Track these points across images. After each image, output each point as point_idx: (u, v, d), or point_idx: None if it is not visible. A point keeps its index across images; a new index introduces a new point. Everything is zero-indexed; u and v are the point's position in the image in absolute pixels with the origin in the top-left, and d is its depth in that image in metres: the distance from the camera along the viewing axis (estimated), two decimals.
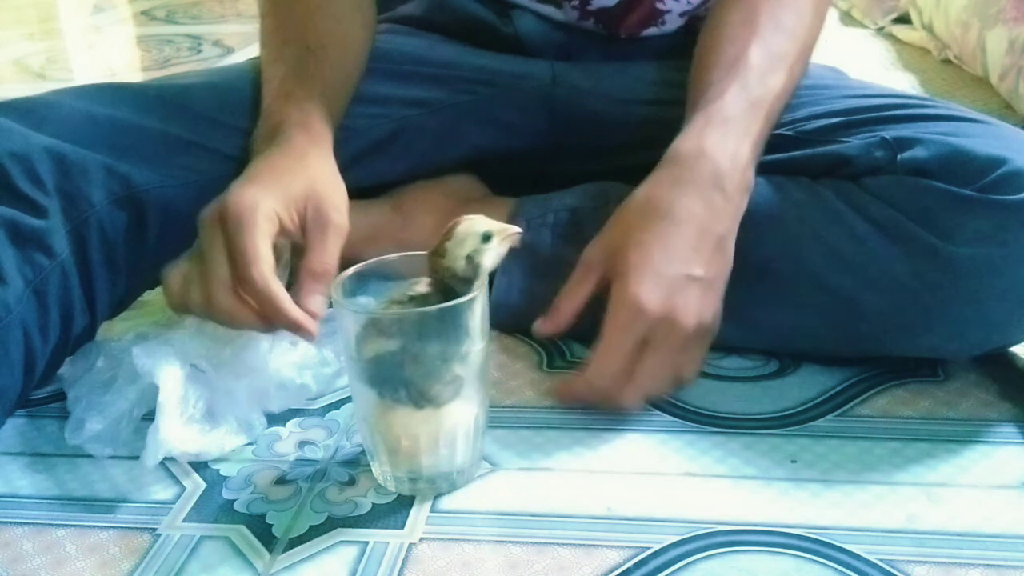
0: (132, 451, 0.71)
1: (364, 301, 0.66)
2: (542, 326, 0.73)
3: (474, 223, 0.63)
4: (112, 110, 0.77)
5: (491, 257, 0.63)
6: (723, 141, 0.73)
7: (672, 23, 0.92)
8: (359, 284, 0.66)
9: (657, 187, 0.72)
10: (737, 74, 0.76)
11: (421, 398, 0.62)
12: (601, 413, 0.73)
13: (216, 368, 0.71)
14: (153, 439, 0.68)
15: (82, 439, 0.71)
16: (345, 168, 0.75)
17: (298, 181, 0.70)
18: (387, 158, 0.89)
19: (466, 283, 0.62)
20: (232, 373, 0.72)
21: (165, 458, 0.70)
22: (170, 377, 0.69)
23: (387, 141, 0.88)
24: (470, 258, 0.62)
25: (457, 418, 0.63)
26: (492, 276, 0.67)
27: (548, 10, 0.91)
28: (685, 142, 0.73)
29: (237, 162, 0.80)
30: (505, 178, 0.95)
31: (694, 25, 0.92)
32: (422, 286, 0.63)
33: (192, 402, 0.70)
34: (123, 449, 0.71)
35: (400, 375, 0.62)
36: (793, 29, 0.79)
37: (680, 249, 0.70)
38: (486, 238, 0.62)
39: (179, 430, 0.69)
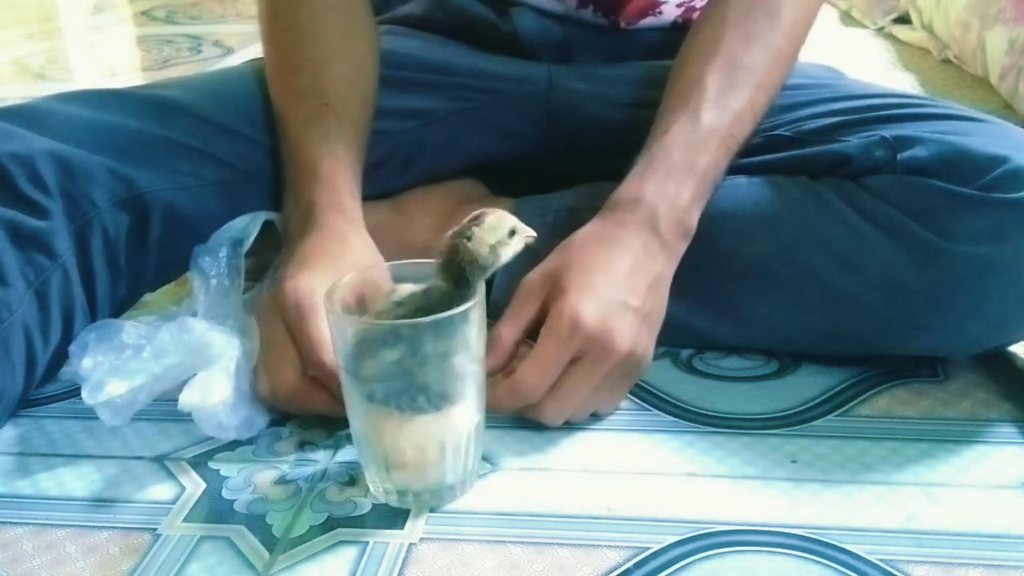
0: (140, 415, 0.69)
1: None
2: (487, 365, 0.67)
3: (504, 216, 0.63)
4: (112, 115, 0.77)
5: (509, 253, 0.63)
6: (663, 187, 0.73)
7: (669, 13, 0.92)
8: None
9: (599, 227, 0.73)
10: (689, 103, 0.76)
11: (442, 400, 0.62)
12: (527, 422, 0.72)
13: (240, 366, 0.71)
14: (203, 380, 0.67)
15: (98, 401, 0.68)
16: None
17: (346, 266, 0.69)
18: (387, 174, 0.89)
19: (482, 271, 0.62)
20: (248, 369, 0.71)
21: (165, 459, 0.71)
22: (230, 344, 0.69)
23: (386, 158, 0.88)
24: (493, 248, 0.62)
25: (461, 425, 0.63)
26: (491, 277, 0.67)
27: (547, 2, 0.91)
28: (626, 188, 0.74)
29: (237, 169, 0.81)
30: (504, 179, 0.95)
31: (691, 18, 0.92)
32: (402, 292, 0.63)
33: (233, 378, 0.69)
34: (135, 414, 0.69)
35: (414, 382, 0.61)
36: (765, 37, 0.78)
37: (620, 276, 0.69)
38: (511, 233, 0.62)
39: (224, 387, 0.68)
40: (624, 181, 0.75)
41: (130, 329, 0.73)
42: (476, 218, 0.62)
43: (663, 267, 0.72)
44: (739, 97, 0.76)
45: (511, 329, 0.70)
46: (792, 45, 0.81)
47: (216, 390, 0.67)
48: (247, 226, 0.77)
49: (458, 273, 0.61)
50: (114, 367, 0.70)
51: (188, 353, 0.70)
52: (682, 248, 0.74)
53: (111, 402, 0.70)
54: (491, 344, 0.69)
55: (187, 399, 0.67)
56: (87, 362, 0.70)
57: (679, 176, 0.73)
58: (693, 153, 0.74)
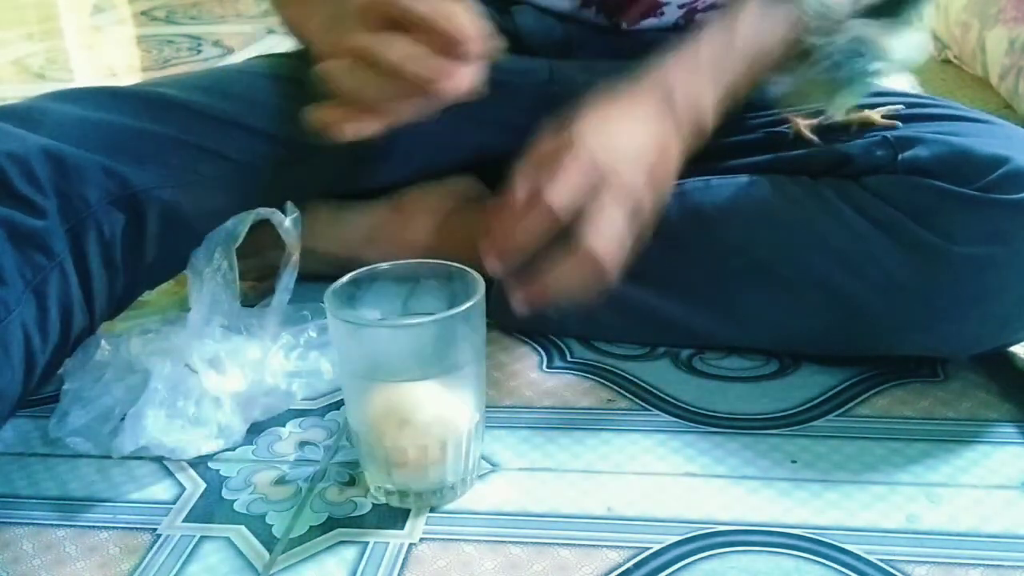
0: (109, 451, 0.71)
1: (365, 313, 0.65)
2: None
3: None
4: (106, 113, 0.77)
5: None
6: (685, 78, 0.73)
7: (671, 14, 0.92)
8: (353, 293, 0.65)
9: (613, 94, 0.72)
10: (727, 17, 0.76)
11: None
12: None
13: (208, 370, 0.71)
14: (133, 425, 0.68)
15: (64, 432, 0.72)
16: (347, 171, 0.75)
17: None
18: (389, 167, 0.89)
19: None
20: (223, 377, 0.72)
21: (165, 459, 0.71)
22: (163, 371, 0.69)
23: (387, 150, 0.88)
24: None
25: (462, 424, 0.63)
26: (491, 276, 0.67)
27: (549, 0, 0.91)
28: (647, 74, 0.73)
29: (235, 162, 0.80)
30: (504, 178, 0.95)
31: (693, 19, 0.92)
32: None
33: (179, 399, 0.70)
34: (101, 447, 0.71)
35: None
36: None
37: (639, 118, 0.69)
38: None
39: (159, 423, 0.69)
40: (647, 71, 0.74)
41: (104, 345, 0.74)
42: None
43: (674, 141, 0.71)
44: (776, 26, 0.76)
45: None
46: None
47: (153, 427, 0.69)
48: (239, 224, 0.78)
49: None
50: (77, 395, 0.72)
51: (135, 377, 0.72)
52: (690, 141, 0.73)
53: (76, 431, 0.72)
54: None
55: (126, 446, 0.70)
56: (64, 387, 0.73)
57: (702, 81, 0.74)
58: (720, 64, 0.74)
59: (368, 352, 0.62)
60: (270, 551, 0.62)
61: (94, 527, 0.65)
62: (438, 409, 0.62)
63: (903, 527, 0.62)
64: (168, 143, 0.78)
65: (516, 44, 0.92)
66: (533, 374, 0.80)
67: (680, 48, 0.75)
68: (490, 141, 0.92)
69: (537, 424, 0.74)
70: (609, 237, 0.65)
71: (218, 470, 0.70)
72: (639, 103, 0.71)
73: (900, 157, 0.74)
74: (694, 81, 0.73)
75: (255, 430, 0.74)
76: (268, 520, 0.65)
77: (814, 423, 0.73)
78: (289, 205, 0.79)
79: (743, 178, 0.80)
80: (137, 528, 0.65)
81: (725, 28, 0.75)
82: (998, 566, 0.58)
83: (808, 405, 0.75)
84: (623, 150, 0.67)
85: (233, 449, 0.72)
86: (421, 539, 0.62)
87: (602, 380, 0.79)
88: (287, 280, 0.72)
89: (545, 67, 0.91)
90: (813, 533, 0.62)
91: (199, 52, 2.03)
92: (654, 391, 0.77)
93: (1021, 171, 0.69)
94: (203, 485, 0.68)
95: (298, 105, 0.67)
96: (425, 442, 0.63)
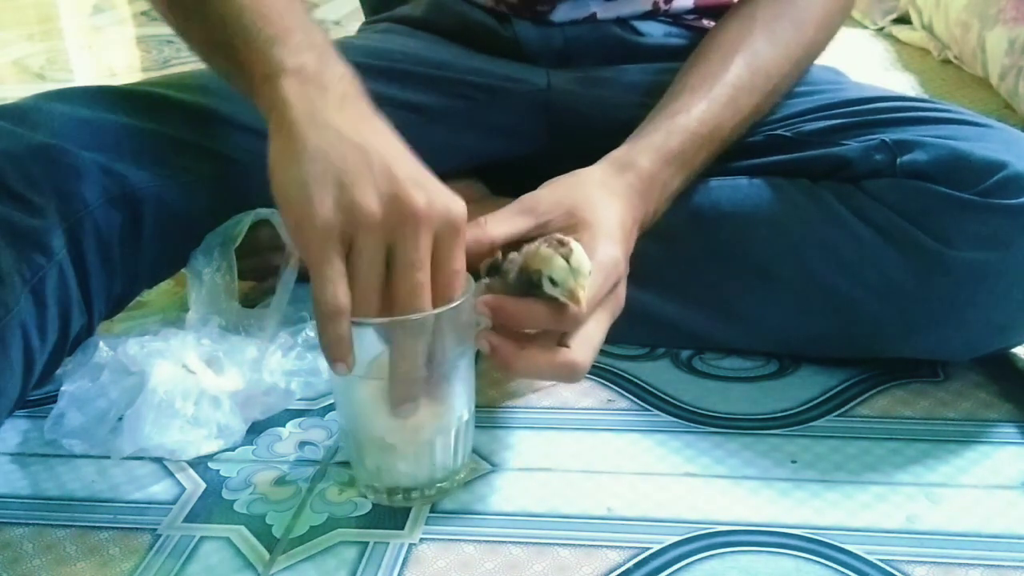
0: (105, 451, 0.71)
1: None
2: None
3: (584, 262, 0.61)
4: (103, 112, 0.77)
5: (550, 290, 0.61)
6: (665, 168, 0.73)
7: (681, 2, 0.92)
8: None
9: (609, 177, 0.71)
10: (709, 92, 0.76)
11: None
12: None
13: (206, 370, 0.71)
14: (131, 427, 0.68)
15: (60, 433, 0.72)
16: None
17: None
18: None
19: (533, 288, 0.61)
20: (221, 377, 0.72)
21: (165, 459, 0.71)
22: (160, 372, 0.69)
23: None
24: (551, 280, 0.60)
25: (451, 422, 0.63)
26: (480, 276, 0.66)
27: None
28: (639, 153, 0.73)
29: (237, 161, 0.80)
30: (504, 179, 0.95)
31: (692, 26, 0.92)
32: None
33: (177, 401, 0.70)
34: (97, 449, 0.71)
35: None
36: (789, 46, 0.81)
37: (630, 232, 0.69)
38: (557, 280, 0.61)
39: (158, 424, 0.69)
40: (636, 141, 0.74)
41: (103, 347, 0.74)
42: (570, 250, 0.60)
43: (636, 233, 0.71)
44: (752, 101, 0.77)
45: (501, 231, 0.66)
46: (809, 59, 0.83)
47: (152, 429, 0.70)
48: (238, 224, 0.78)
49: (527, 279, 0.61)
50: (74, 396, 0.72)
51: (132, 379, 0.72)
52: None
53: (72, 432, 0.72)
54: (471, 234, 0.64)
55: (126, 448, 0.70)
56: (62, 389, 0.73)
57: (677, 166, 0.74)
58: (695, 149, 0.75)
59: (356, 350, 0.62)
60: (270, 551, 0.62)
61: (94, 527, 0.65)
62: (427, 406, 0.62)
63: (903, 527, 0.62)
64: (166, 142, 0.78)
65: (516, 53, 0.92)
66: None
67: (662, 126, 0.74)
68: (490, 147, 0.93)
69: (537, 424, 0.74)
70: (592, 347, 0.64)
71: (218, 470, 0.70)
72: (632, 204, 0.70)
73: (899, 161, 0.74)
74: (667, 173, 0.73)
75: (255, 430, 0.74)
76: (268, 520, 0.65)
77: (814, 423, 0.73)
78: None
79: (743, 180, 0.80)
80: (137, 528, 0.65)
81: (704, 106, 0.75)
82: (998, 566, 0.58)
83: (808, 405, 0.75)
84: (628, 246, 0.67)
85: (233, 449, 0.72)
86: (421, 539, 0.62)
87: (602, 380, 0.79)
88: (287, 280, 0.72)
89: (543, 75, 0.91)
90: (813, 533, 0.62)
91: None
92: (654, 391, 0.77)
93: (1019, 176, 0.69)
94: (203, 485, 0.68)
95: None
96: (414, 439, 0.63)
